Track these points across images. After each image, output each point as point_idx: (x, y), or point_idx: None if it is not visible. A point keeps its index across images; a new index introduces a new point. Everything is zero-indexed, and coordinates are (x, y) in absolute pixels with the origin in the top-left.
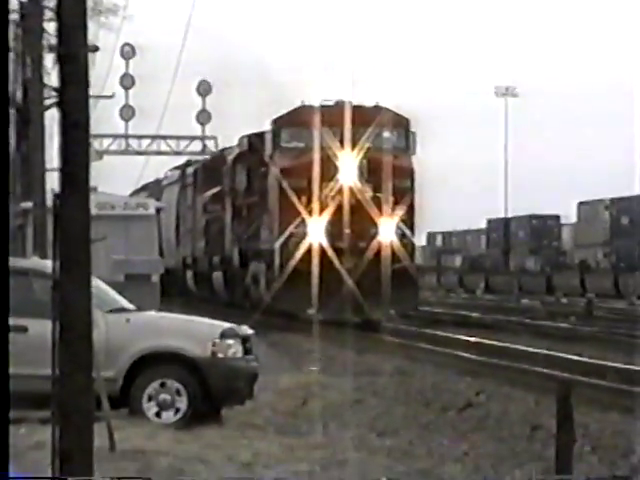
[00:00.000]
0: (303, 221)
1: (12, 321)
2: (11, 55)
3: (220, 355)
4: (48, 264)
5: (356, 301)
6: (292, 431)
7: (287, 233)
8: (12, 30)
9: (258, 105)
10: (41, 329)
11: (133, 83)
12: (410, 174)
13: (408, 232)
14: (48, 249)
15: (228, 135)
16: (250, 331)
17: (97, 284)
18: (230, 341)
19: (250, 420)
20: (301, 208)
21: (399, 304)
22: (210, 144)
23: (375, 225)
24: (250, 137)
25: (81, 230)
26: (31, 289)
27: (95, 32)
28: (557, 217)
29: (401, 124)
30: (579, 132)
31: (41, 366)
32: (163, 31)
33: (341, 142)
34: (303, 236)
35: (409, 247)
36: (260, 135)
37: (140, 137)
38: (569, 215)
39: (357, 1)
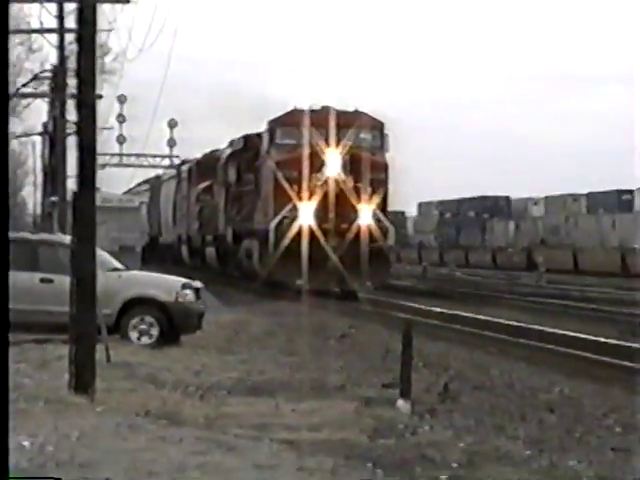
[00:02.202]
0: (294, 206)
1: (43, 275)
2: (45, 100)
3: (180, 300)
4: (67, 238)
5: (339, 274)
6: (228, 351)
7: (281, 215)
8: (47, 84)
9: (211, 134)
10: (63, 281)
11: (125, 120)
12: (385, 168)
13: (383, 217)
14: (68, 228)
15: (187, 155)
16: (200, 284)
17: (100, 252)
18: (187, 291)
19: (199, 343)
20: (293, 195)
21: (374, 277)
22: (175, 160)
23: (355, 211)
24: (245, 137)
25: (89, 216)
26: (56, 255)
27: (100, 85)
28: (403, 212)
29: (377, 126)
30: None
31: (62, 305)
32: (147, 85)
33: (327, 140)
34: (294, 218)
35: (384, 230)
36: (253, 136)
37: (129, 155)
38: (412, 211)
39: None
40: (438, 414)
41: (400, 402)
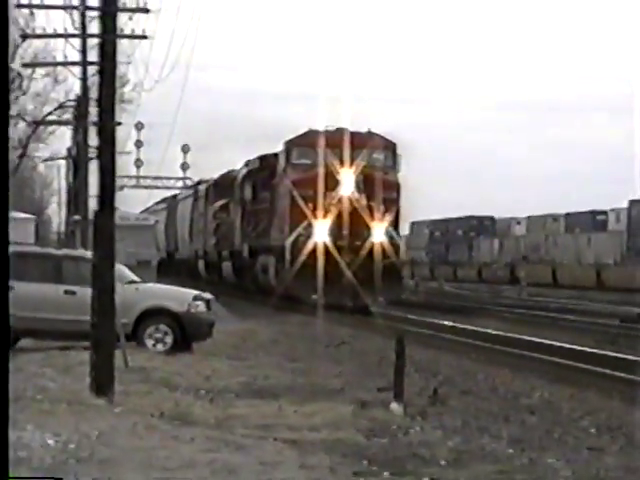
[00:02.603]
0: (310, 223)
1: (67, 287)
2: (69, 127)
3: (192, 310)
4: (89, 253)
5: (353, 289)
6: (236, 357)
7: (297, 233)
8: (71, 112)
9: (221, 159)
10: (84, 293)
11: (142, 145)
12: (397, 188)
13: (395, 234)
14: (89, 245)
15: (198, 177)
16: (210, 296)
17: (119, 266)
18: (198, 302)
19: (210, 350)
20: (309, 213)
21: (387, 292)
22: (188, 182)
23: (369, 228)
24: (261, 158)
25: (109, 233)
26: (79, 268)
27: (119, 114)
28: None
29: (389, 147)
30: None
31: (84, 315)
32: (163, 112)
33: (341, 160)
34: (310, 235)
35: (396, 247)
36: (269, 156)
37: (145, 177)
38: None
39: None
40: (428, 416)
41: (394, 405)
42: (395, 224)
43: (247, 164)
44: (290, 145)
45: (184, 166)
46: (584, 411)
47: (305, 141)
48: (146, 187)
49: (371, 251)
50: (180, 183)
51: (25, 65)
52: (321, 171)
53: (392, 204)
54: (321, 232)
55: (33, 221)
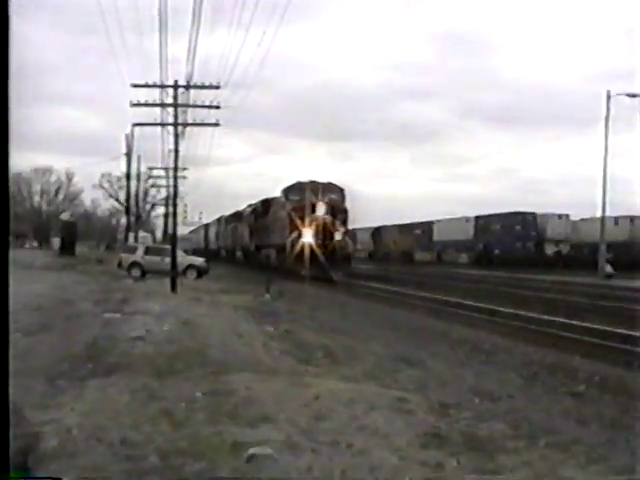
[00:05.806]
0: (300, 232)
1: (162, 257)
2: (162, 206)
3: (203, 264)
4: (169, 247)
5: (324, 267)
6: (218, 280)
7: (292, 236)
8: (163, 203)
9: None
10: (168, 259)
11: (187, 211)
12: (346, 212)
13: (347, 238)
14: (169, 243)
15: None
16: (205, 260)
17: (179, 251)
18: (205, 262)
19: (209, 278)
20: (300, 225)
21: (343, 269)
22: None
23: (333, 234)
24: (262, 201)
25: (175, 240)
26: (166, 251)
27: (179, 204)
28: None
29: (341, 190)
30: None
31: (168, 266)
32: (198, 201)
33: (316, 197)
34: (300, 237)
35: (348, 244)
36: (266, 200)
37: (187, 221)
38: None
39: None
40: (279, 300)
41: (267, 296)
42: (346, 231)
43: (250, 205)
44: (287, 189)
45: (200, 218)
46: (335, 301)
47: (296, 187)
48: (187, 225)
49: (334, 246)
50: (199, 224)
51: (152, 185)
52: (307, 203)
53: (345, 221)
54: (307, 236)
55: (150, 236)
